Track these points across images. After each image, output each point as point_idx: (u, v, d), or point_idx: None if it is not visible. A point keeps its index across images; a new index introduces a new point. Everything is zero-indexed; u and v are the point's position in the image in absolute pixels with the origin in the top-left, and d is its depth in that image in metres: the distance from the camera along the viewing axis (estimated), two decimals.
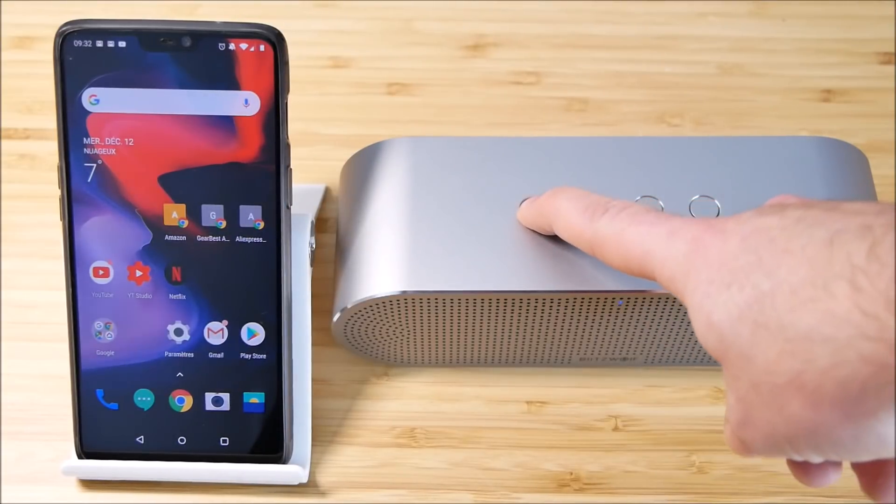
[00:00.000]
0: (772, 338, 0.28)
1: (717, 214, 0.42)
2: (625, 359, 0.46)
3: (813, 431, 0.28)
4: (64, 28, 0.39)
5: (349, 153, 0.47)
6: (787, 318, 0.28)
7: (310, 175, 0.52)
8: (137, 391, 0.43)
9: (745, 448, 0.31)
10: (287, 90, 0.40)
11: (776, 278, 0.28)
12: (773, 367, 0.28)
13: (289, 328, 0.42)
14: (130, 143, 0.40)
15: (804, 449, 0.29)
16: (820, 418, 0.28)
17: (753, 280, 0.29)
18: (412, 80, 0.56)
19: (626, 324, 0.43)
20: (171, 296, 0.42)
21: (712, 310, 0.30)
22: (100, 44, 0.39)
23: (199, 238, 0.41)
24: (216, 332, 0.42)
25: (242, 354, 0.42)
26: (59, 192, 0.41)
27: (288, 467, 0.43)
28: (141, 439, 0.43)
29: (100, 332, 0.42)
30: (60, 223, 0.41)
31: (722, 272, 0.30)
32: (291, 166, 0.41)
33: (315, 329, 0.45)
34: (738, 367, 0.30)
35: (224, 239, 0.41)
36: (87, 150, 0.40)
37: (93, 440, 0.43)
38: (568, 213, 0.37)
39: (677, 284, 0.32)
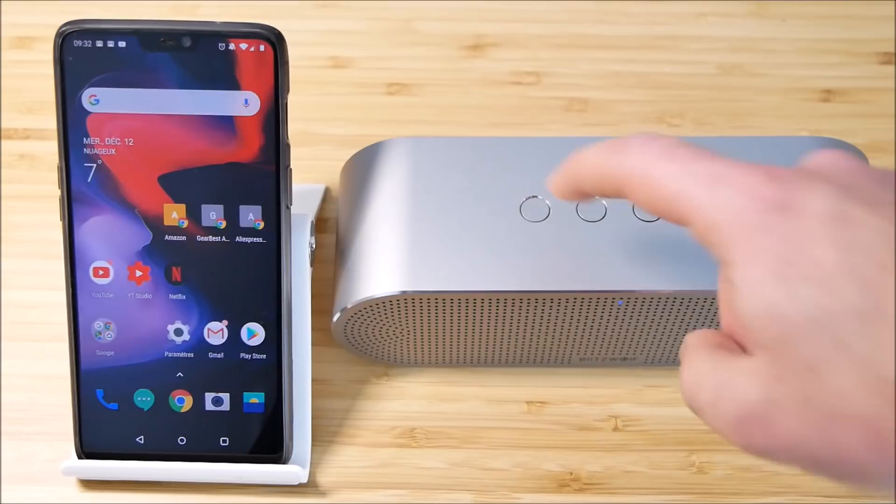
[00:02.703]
0: (859, 367, 0.24)
1: None
2: (625, 359, 0.46)
3: (861, 469, 0.25)
4: (64, 28, 0.39)
5: (349, 153, 0.47)
6: (887, 355, 0.24)
7: (310, 175, 0.52)
8: (137, 391, 0.43)
9: (735, 433, 0.27)
10: (287, 90, 0.40)
11: (879, 302, 0.24)
12: (846, 395, 0.25)
13: (289, 328, 0.42)
14: (130, 143, 0.40)
15: (829, 474, 0.26)
16: (879, 462, 0.25)
17: (846, 294, 0.24)
18: (412, 80, 0.56)
19: (626, 324, 0.43)
20: (171, 296, 0.42)
21: (782, 301, 0.25)
22: (100, 44, 0.39)
23: (199, 238, 0.41)
24: (216, 332, 0.42)
25: (242, 354, 0.42)
26: (59, 192, 0.41)
27: (288, 467, 0.43)
28: (141, 439, 0.43)
29: (100, 332, 0.42)
30: (60, 223, 0.41)
31: (799, 260, 0.25)
32: (291, 166, 0.41)
33: (315, 329, 0.45)
34: (789, 370, 0.26)
35: (224, 239, 0.41)
36: (87, 150, 0.40)
37: (93, 440, 0.43)
38: (589, 154, 0.32)
39: (718, 243, 0.27)
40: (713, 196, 0.27)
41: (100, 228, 0.41)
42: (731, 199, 0.27)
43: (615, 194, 0.31)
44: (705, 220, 0.27)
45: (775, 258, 0.26)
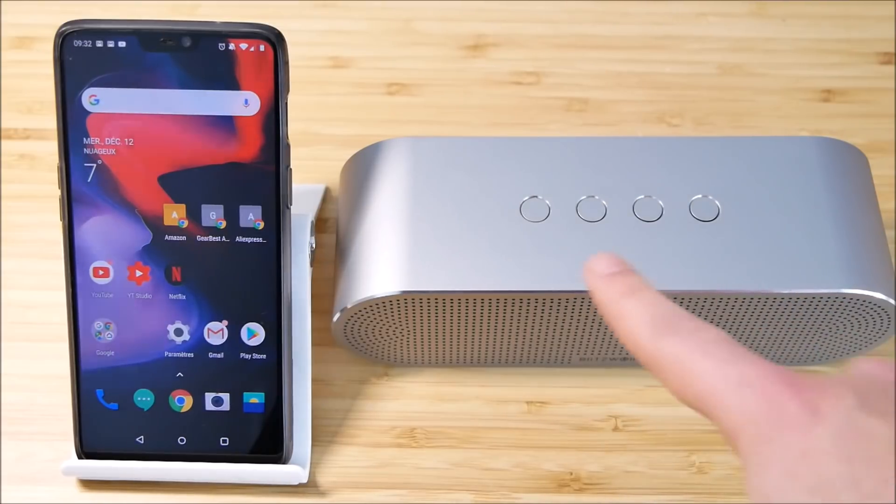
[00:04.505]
0: None
1: (717, 214, 0.42)
2: (625, 359, 0.46)
3: None
4: (64, 28, 0.39)
5: (349, 153, 0.47)
6: None
7: (310, 175, 0.52)
8: (137, 391, 0.43)
9: None
10: (287, 90, 0.40)
11: None
12: None
13: (289, 328, 0.42)
14: (130, 143, 0.40)
15: None
16: None
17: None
18: (412, 80, 0.56)
19: None
20: (171, 296, 0.42)
21: None
22: (100, 44, 0.39)
23: (199, 238, 0.41)
24: (216, 332, 0.42)
25: (242, 354, 0.42)
26: (59, 192, 0.41)
27: (288, 467, 0.43)
28: (141, 439, 0.43)
29: (100, 332, 0.42)
30: (60, 223, 0.41)
31: (805, 473, 0.26)
32: (291, 166, 0.41)
33: (315, 329, 0.45)
34: None
35: (224, 239, 0.41)
36: (87, 150, 0.40)
37: (93, 440, 0.43)
38: (632, 318, 0.31)
39: (739, 444, 0.28)
40: (739, 401, 0.28)
41: (100, 228, 0.41)
42: (755, 407, 0.28)
43: (645, 366, 0.31)
44: (729, 423, 0.28)
45: (783, 471, 0.26)
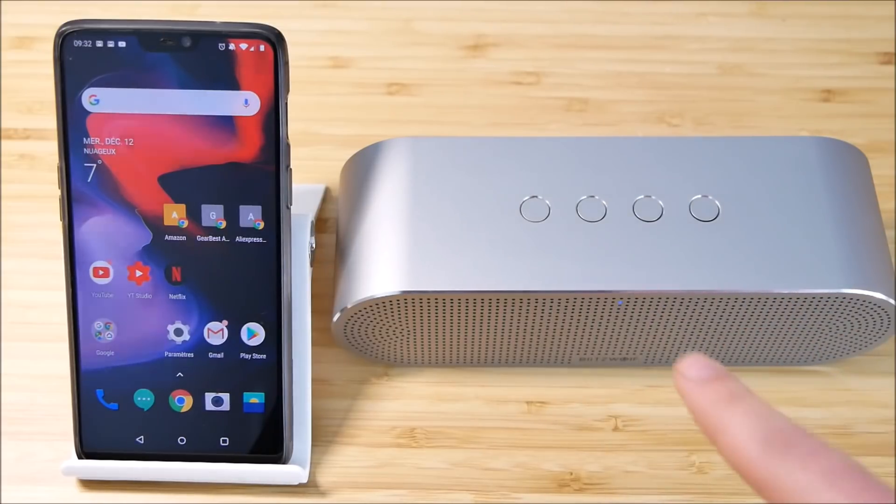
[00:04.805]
0: None
1: (717, 214, 0.42)
2: (625, 359, 0.46)
3: None
4: (64, 28, 0.39)
5: (349, 153, 0.47)
6: None
7: (310, 175, 0.52)
8: (137, 391, 0.43)
9: None
10: (287, 90, 0.40)
11: None
12: None
13: (289, 328, 0.42)
14: (130, 143, 0.40)
15: None
16: None
17: None
18: (412, 80, 0.56)
19: (626, 324, 0.43)
20: (171, 296, 0.42)
21: None
22: (100, 44, 0.39)
23: (199, 238, 0.41)
24: (216, 332, 0.42)
25: (242, 354, 0.42)
26: (59, 192, 0.41)
27: (288, 467, 0.43)
28: (141, 439, 0.43)
29: (100, 332, 0.42)
30: (60, 223, 0.41)
31: None
32: (291, 166, 0.41)
33: (315, 329, 0.45)
34: None
35: (224, 239, 0.41)
36: (87, 150, 0.40)
37: (93, 440, 0.43)
38: (738, 433, 0.28)
39: None
40: None
41: (100, 228, 0.41)
42: None
43: (752, 486, 0.27)
44: None
45: None
